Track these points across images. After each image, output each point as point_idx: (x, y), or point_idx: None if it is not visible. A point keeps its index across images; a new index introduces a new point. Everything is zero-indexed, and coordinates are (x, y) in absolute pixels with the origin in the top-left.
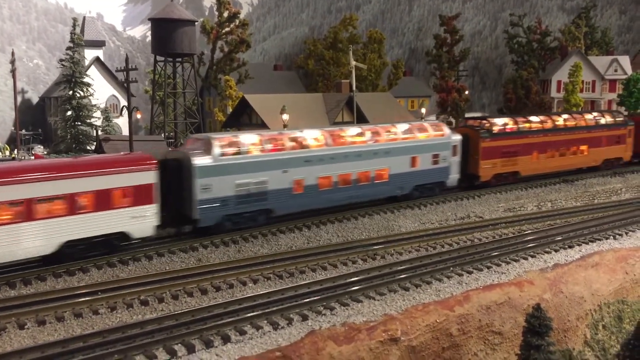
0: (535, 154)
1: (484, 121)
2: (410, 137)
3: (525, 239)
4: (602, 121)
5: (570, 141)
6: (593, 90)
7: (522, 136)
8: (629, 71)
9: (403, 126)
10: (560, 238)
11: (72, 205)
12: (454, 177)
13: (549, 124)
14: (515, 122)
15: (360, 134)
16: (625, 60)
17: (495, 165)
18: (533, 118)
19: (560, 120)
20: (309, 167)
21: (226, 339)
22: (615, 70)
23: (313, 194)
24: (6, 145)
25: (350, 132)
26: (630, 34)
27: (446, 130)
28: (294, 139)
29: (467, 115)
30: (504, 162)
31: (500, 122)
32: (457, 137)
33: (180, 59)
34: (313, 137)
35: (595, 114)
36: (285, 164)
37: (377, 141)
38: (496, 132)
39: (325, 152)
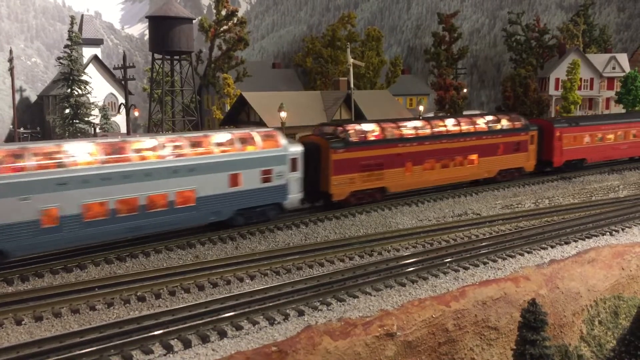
0: (408, 165)
1: (340, 127)
2: (229, 149)
3: (522, 235)
4: (497, 126)
5: (454, 150)
6: (591, 88)
7: (390, 145)
8: (627, 69)
9: (220, 136)
10: (556, 234)
11: None
12: (294, 197)
13: (426, 130)
14: (382, 129)
15: (156, 148)
16: (623, 58)
17: (353, 181)
18: (407, 123)
19: (442, 126)
20: (65, 191)
21: (222, 334)
22: (614, 68)
23: (74, 227)
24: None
25: (145, 144)
26: (628, 31)
27: (282, 140)
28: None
29: (465, 113)
30: (365, 176)
31: (361, 129)
32: (297, 149)
33: (178, 57)
34: (81, 151)
35: (489, 117)
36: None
37: (180, 156)
38: (354, 140)
39: (93, 172)
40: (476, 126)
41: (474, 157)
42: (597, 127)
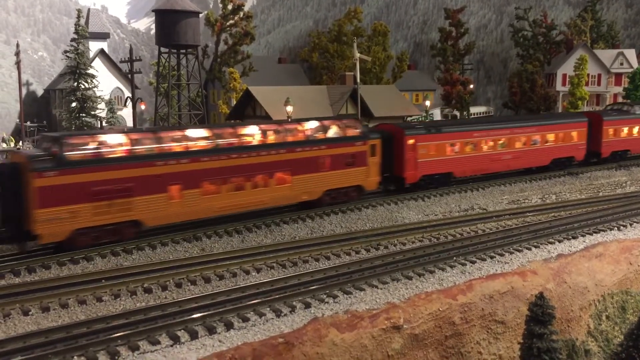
0: (175, 190)
1: (57, 140)
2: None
3: (529, 229)
4: (321, 135)
5: (253, 166)
6: (599, 84)
7: (143, 163)
8: (635, 65)
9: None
10: (564, 229)
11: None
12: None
13: (207, 142)
14: (132, 141)
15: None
16: (631, 54)
17: (75, 217)
18: (173, 133)
19: (233, 135)
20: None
21: (229, 326)
22: (621, 64)
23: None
24: (11, 137)
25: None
26: (636, 27)
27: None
28: None
29: (472, 108)
30: (97, 209)
31: (92, 140)
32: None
33: (184, 51)
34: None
35: (311, 124)
36: None
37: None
38: (75, 158)
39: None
40: (289, 135)
41: (285, 175)
42: (467, 133)
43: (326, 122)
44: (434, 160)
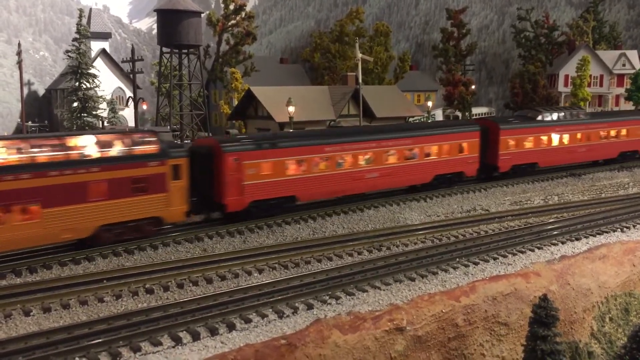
0: None
1: None
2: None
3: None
4: (104, 152)
5: None
6: (601, 85)
7: None
8: (637, 66)
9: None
10: (567, 230)
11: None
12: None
13: None
14: None
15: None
16: (633, 55)
17: None
18: None
19: None
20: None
21: (231, 327)
22: (624, 65)
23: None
24: None
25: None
26: (638, 28)
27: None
28: None
29: (474, 109)
30: None
31: None
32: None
33: (186, 51)
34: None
35: (85, 138)
36: None
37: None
38: None
39: None
40: (42, 153)
41: (32, 207)
42: (316, 147)
43: (106, 137)
44: (269, 182)
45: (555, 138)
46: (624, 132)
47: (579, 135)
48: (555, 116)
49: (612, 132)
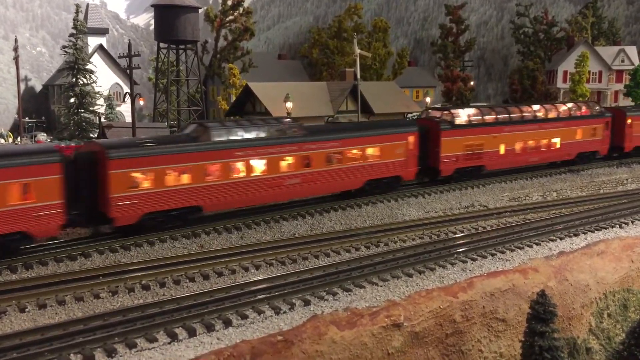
0: None
1: None
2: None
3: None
4: None
5: None
6: (599, 81)
7: None
8: (636, 62)
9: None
10: (565, 226)
11: None
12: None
13: None
14: None
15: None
16: (632, 51)
17: None
18: None
19: None
20: None
21: (228, 323)
22: (622, 61)
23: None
24: (10, 133)
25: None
26: (637, 24)
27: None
28: None
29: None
30: None
31: None
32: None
33: (183, 46)
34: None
35: None
36: None
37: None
38: None
39: None
40: None
41: None
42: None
43: None
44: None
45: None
46: (371, 151)
47: (291, 161)
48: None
49: (351, 154)
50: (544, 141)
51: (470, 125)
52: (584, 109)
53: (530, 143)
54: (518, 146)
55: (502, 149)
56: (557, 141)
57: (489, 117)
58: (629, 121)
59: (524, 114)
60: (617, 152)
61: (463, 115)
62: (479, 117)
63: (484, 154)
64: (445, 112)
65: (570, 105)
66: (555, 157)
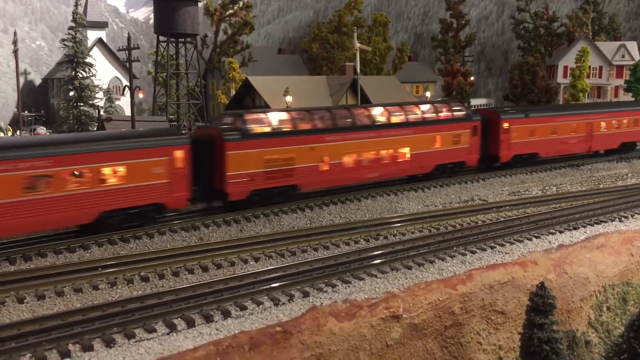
0: None
1: None
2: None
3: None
4: None
5: None
6: (600, 76)
7: None
8: (637, 57)
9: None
10: (565, 220)
11: None
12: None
13: None
14: None
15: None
16: (633, 46)
17: None
18: None
19: None
20: None
21: (227, 314)
22: (623, 56)
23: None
24: (9, 127)
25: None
26: (638, 19)
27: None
28: None
29: (472, 100)
30: None
31: None
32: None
33: (183, 40)
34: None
35: None
36: None
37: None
38: None
39: None
40: None
41: None
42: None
43: None
44: None
45: None
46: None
47: None
48: None
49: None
50: (387, 152)
51: (272, 134)
52: (444, 110)
53: (367, 155)
54: (348, 159)
55: (324, 164)
56: (405, 151)
57: (304, 124)
58: (505, 125)
59: (358, 119)
60: (491, 162)
61: (265, 121)
62: (289, 125)
63: (296, 170)
64: (238, 117)
65: (425, 107)
66: (404, 170)
